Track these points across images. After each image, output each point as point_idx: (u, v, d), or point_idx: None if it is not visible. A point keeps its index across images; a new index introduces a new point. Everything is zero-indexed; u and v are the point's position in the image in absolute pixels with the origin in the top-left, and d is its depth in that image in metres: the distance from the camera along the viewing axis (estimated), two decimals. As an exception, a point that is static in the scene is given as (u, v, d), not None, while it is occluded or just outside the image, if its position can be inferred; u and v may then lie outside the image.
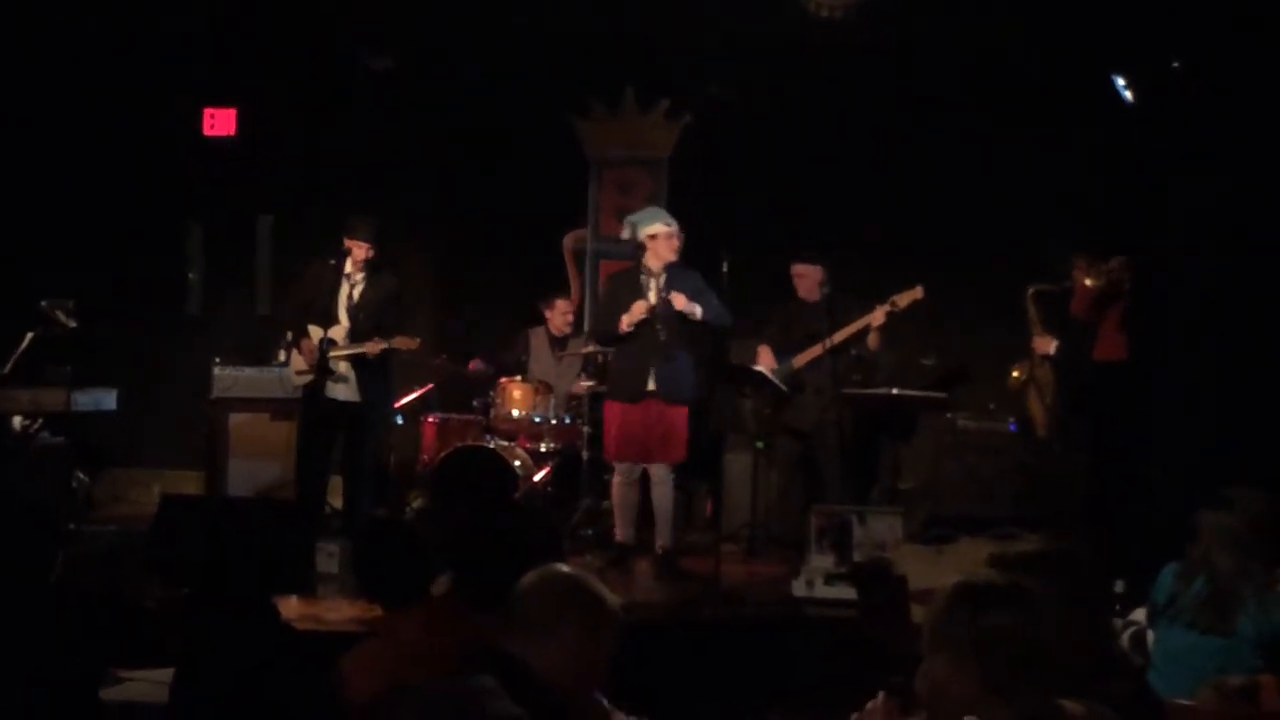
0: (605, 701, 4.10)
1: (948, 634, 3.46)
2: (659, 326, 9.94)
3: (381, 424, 10.88)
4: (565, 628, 3.76)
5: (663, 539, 10.19)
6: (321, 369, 10.25)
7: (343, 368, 10.28)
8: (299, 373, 10.51)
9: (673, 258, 10.06)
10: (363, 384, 10.30)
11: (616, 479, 10.22)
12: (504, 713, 3.56)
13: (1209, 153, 10.15)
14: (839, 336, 10.58)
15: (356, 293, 10.38)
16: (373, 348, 10.20)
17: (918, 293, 10.52)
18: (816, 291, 10.84)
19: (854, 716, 3.68)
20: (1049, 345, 10.31)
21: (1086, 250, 10.19)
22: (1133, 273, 10.05)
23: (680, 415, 10.09)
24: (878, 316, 10.57)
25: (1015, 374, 10.51)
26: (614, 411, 10.23)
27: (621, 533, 10.24)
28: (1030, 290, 10.41)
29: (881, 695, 3.67)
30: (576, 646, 3.76)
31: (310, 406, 10.47)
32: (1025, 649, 3.39)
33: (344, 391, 10.28)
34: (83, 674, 4.89)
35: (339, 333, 10.34)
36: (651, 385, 10.01)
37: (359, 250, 10.34)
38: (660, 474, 10.13)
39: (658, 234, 10.06)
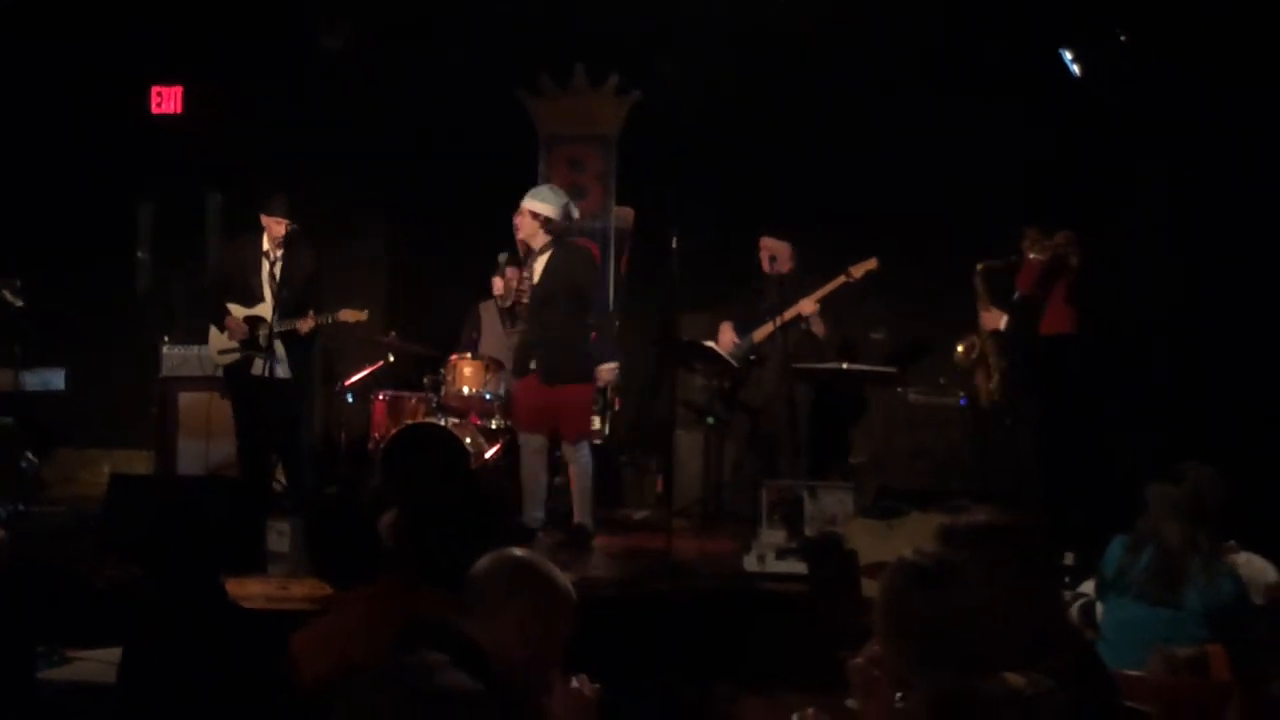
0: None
1: (885, 613, 3.52)
2: (533, 306, 9.97)
3: (310, 398, 10.89)
4: (515, 612, 3.77)
5: (579, 515, 10.04)
6: (252, 346, 10.26)
7: (275, 344, 10.26)
8: (221, 351, 10.51)
9: (520, 237, 10.07)
10: (292, 360, 10.30)
11: (522, 449, 10.17)
12: (454, 684, 3.56)
13: (1159, 125, 10.21)
14: (790, 314, 10.62)
15: (277, 269, 10.37)
16: (305, 324, 10.21)
17: (872, 263, 10.56)
18: (771, 266, 10.87)
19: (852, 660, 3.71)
20: (999, 320, 10.30)
21: (1036, 224, 10.22)
22: (1079, 246, 10.09)
23: (571, 392, 9.95)
24: (808, 307, 10.64)
25: (961, 349, 10.50)
26: (517, 384, 10.28)
27: (528, 512, 10.10)
28: (979, 266, 10.42)
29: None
30: (527, 631, 3.76)
31: (237, 385, 10.48)
32: (945, 628, 3.43)
33: (276, 369, 10.27)
34: (12, 653, 4.87)
35: (265, 310, 10.33)
36: (533, 365, 9.97)
37: (276, 226, 10.34)
38: (570, 453, 9.99)
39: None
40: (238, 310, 10.40)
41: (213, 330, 10.59)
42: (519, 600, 3.79)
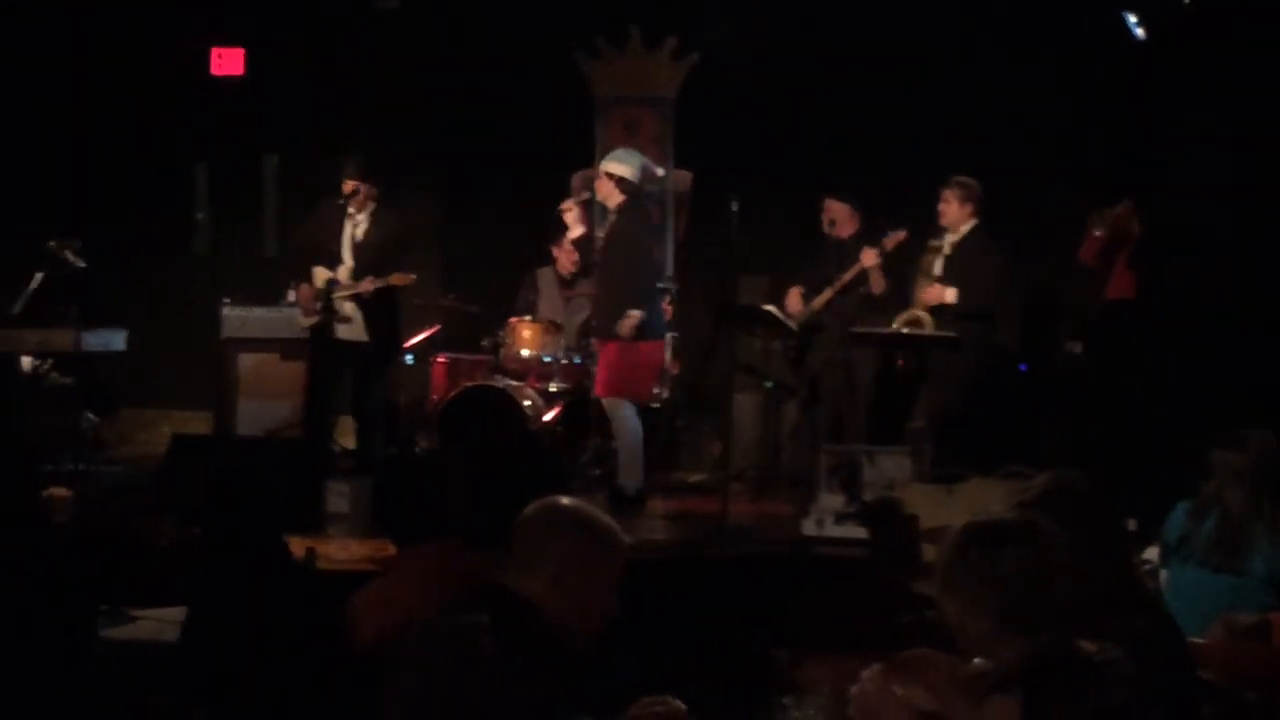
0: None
1: (959, 574, 3.46)
2: (598, 263, 10.28)
3: (389, 362, 10.84)
4: (561, 557, 3.75)
5: (620, 475, 10.19)
6: (326, 310, 10.25)
7: (348, 308, 10.23)
8: (305, 314, 10.51)
9: (599, 198, 10.33)
10: (369, 323, 10.24)
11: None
12: (497, 646, 3.56)
13: (1218, 88, 10.11)
14: (851, 273, 10.59)
15: (359, 232, 10.34)
16: (366, 286, 10.17)
17: (902, 235, 10.53)
18: (831, 229, 10.84)
19: (853, 690, 3.64)
20: (942, 294, 10.17)
21: (1091, 196, 10.18)
22: (1140, 216, 10.02)
23: (608, 351, 10.14)
24: (869, 258, 10.59)
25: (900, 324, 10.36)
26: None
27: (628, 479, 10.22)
28: (932, 242, 10.35)
29: (875, 668, 3.63)
30: (574, 576, 3.74)
31: (318, 347, 10.47)
32: (1036, 585, 3.39)
33: (350, 331, 10.24)
34: (76, 612, 4.89)
35: (344, 273, 10.32)
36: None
37: (346, 188, 10.29)
38: (607, 410, 10.22)
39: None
40: (321, 273, 10.36)
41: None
42: (564, 548, 3.77)
